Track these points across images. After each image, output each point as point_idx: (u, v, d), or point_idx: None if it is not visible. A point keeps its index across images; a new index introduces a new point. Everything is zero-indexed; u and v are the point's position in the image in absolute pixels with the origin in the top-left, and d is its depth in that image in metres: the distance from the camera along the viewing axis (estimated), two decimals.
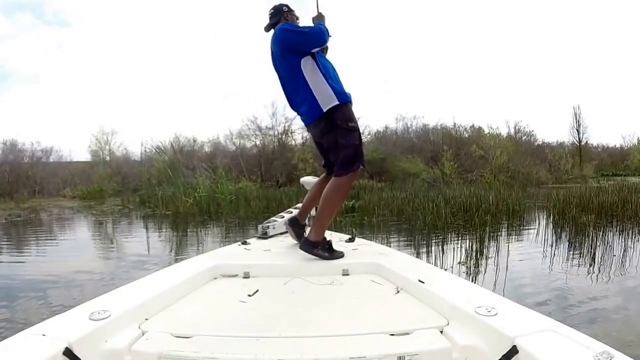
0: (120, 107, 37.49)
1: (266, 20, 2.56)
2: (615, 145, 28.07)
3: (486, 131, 20.33)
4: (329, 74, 2.41)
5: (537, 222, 7.94)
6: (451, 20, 47.71)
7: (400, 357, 1.10)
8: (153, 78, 46.14)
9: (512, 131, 21.48)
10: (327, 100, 2.33)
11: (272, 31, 2.53)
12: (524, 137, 21.80)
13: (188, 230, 8.10)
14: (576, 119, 25.76)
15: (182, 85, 42.38)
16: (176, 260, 4.42)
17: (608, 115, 41.47)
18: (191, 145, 20.30)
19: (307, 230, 2.76)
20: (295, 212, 3.16)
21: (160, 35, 48.85)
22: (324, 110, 2.33)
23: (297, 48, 2.37)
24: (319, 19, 2.53)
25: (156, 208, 10.82)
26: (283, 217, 3.15)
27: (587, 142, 26.07)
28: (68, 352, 1.05)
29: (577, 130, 25.68)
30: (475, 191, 9.92)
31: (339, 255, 2.26)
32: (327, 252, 2.26)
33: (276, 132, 19.54)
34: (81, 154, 22.48)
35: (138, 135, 46.43)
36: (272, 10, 2.56)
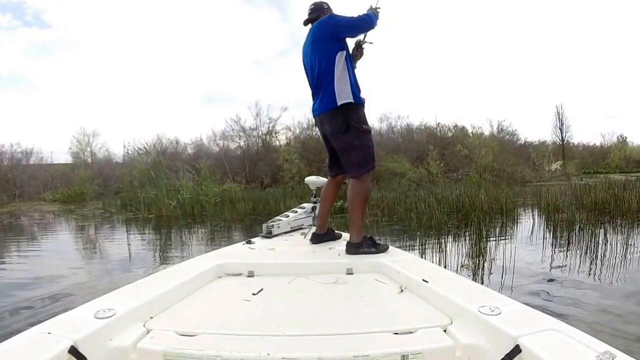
0: (102, 108, 37.27)
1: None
2: (595, 144, 28.77)
3: (470, 130, 20.60)
4: (352, 77, 2.54)
5: (532, 220, 7.97)
6: (432, 19, 48.36)
7: (403, 355, 1.10)
8: (135, 78, 45.90)
9: (495, 130, 21.79)
10: (343, 96, 2.44)
11: (309, 26, 2.68)
12: (507, 137, 22.13)
13: (172, 233, 7.89)
14: (559, 117, 26.36)
15: (164, 87, 42.30)
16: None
17: (587, 113, 42.60)
18: (174, 146, 20.11)
19: (311, 230, 2.90)
20: (300, 211, 3.23)
21: (141, 36, 48.55)
22: (338, 104, 2.44)
23: (343, 33, 2.53)
24: (373, 11, 2.60)
25: (138, 211, 10.52)
26: (288, 216, 3.23)
27: (568, 140, 26.66)
28: (73, 350, 1.04)
29: (560, 129, 26.27)
30: (466, 190, 9.87)
31: (384, 248, 2.40)
32: (373, 247, 2.38)
33: (260, 133, 19.44)
34: (62, 156, 21.94)
35: (120, 137, 46.03)
36: (312, 6, 2.69)
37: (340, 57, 2.48)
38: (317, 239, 2.71)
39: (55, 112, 40.12)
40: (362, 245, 2.38)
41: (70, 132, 26.46)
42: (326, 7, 2.68)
